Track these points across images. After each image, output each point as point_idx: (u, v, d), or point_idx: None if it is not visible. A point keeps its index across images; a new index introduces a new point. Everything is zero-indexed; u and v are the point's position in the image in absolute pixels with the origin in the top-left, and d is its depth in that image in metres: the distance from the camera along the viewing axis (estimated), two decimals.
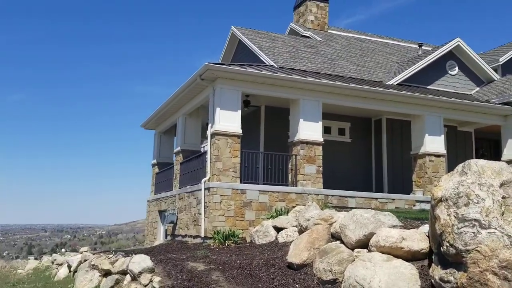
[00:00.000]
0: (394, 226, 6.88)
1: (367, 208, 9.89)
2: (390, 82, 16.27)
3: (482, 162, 5.95)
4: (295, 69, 15.52)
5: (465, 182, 5.63)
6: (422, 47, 21.06)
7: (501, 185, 5.67)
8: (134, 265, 8.12)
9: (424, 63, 16.78)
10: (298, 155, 13.42)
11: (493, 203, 5.26)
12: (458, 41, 17.04)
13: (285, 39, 19.60)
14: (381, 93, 14.37)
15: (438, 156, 14.81)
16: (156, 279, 7.61)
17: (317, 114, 13.86)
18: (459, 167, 6.06)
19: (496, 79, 17.53)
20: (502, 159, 15.65)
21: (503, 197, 5.48)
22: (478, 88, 17.42)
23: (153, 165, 19.56)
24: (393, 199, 13.86)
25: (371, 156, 16.90)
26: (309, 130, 13.62)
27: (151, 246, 15.18)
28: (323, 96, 13.98)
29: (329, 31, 22.69)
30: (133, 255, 9.05)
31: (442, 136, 15.06)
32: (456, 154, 16.71)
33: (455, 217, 5.25)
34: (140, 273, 7.94)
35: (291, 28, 22.66)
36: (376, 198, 13.75)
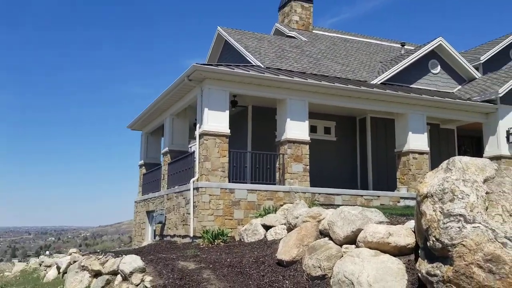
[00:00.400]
0: (381, 222, 7.07)
1: (353, 205, 10.06)
2: (374, 82, 16.53)
3: (466, 159, 6.15)
4: (281, 69, 15.67)
5: (449, 178, 5.83)
6: (405, 47, 21.40)
7: (485, 181, 5.88)
8: (125, 265, 8.18)
9: (407, 62, 17.07)
10: (286, 154, 13.58)
11: (477, 198, 5.46)
12: (440, 40, 17.37)
13: (271, 40, 19.75)
14: (365, 92, 14.61)
15: (421, 153, 15.10)
16: (148, 278, 7.69)
17: (304, 114, 14.04)
18: (444, 164, 6.26)
19: (477, 77, 17.91)
20: (484, 155, 16.02)
21: (486, 193, 5.69)
22: (460, 86, 17.77)
23: (140, 166, 19.55)
24: (378, 196, 14.11)
25: (356, 154, 17.16)
26: (296, 129, 13.79)
27: (139, 246, 15.20)
28: (309, 96, 14.16)
29: (313, 31, 22.91)
30: (124, 255, 9.10)
31: (425, 134, 15.36)
32: (439, 151, 17.03)
33: (440, 212, 5.44)
34: (131, 273, 8.00)
35: (276, 28, 22.82)
36: (362, 195, 13.99)
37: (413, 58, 17.23)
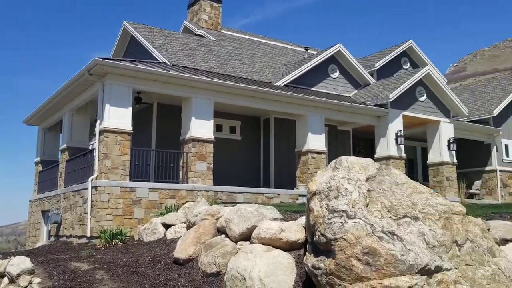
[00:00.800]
0: (275, 219, 7.36)
1: (255, 203, 10.36)
2: (278, 83, 17.05)
3: (352, 158, 6.61)
4: (188, 68, 15.63)
5: (336, 176, 6.23)
6: (308, 51, 22.28)
7: (367, 179, 6.36)
8: (13, 267, 7.73)
9: (309, 66, 17.81)
10: (190, 153, 13.58)
11: (359, 195, 5.89)
12: (339, 46, 18.32)
13: (179, 37, 19.60)
14: (269, 93, 15.02)
15: (319, 153, 15.85)
16: (36, 280, 7.34)
17: (209, 112, 14.12)
18: (332, 163, 6.67)
19: (372, 83, 19.15)
20: (375, 156, 17.18)
21: (368, 190, 6.15)
22: (356, 91, 18.89)
23: (37, 163, 18.47)
24: (279, 194, 14.59)
25: (260, 153, 17.59)
26: (201, 128, 13.84)
27: (33, 247, 14.36)
28: (215, 95, 14.27)
29: (222, 31, 23.09)
30: (12, 257, 8.58)
31: (323, 135, 16.15)
32: (336, 152, 17.95)
33: (326, 208, 5.80)
34: (19, 275, 7.58)
35: (185, 26, 22.69)
36: (263, 193, 14.38)
37: (314, 63, 18.00)
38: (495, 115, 20.23)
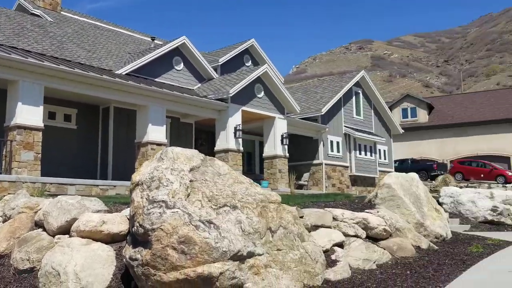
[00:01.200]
0: (98, 211, 7.13)
1: (89, 196, 9.91)
2: (120, 72, 16.51)
3: (177, 149, 6.70)
4: (18, 48, 14.38)
5: (160, 167, 6.27)
6: (155, 41, 22.00)
7: (191, 170, 6.52)
8: None
9: (153, 56, 17.57)
10: (14, 141, 12.46)
11: (180, 185, 6.01)
12: (184, 39, 18.41)
13: (10, 15, 17.82)
14: (107, 81, 14.47)
15: (159, 144, 15.78)
16: None
17: (39, 98, 13.12)
18: (158, 154, 6.70)
19: (215, 77, 19.62)
20: (215, 149, 17.69)
21: (191, 181, 6.31)
22: (199, 84, 19.19)
23: None
24: (115, 186, 14.17)
25: (97, 143, 16.87)
26: (29, 114, 12.79)
27: None
28: (46, 80, 13.29)
29: (62, 12, 21.59)
30: None
31: (164, 126, 16.11)
32: (178, 144, 18.05)
33: (146, 199, 5.81)
34: None
35: (19, 3, 20.75)
36: (98, 185, 13.83)
37: (159, 53, 17.82)
38: (323, 113, 22.26)
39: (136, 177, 6.33)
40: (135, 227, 5.69)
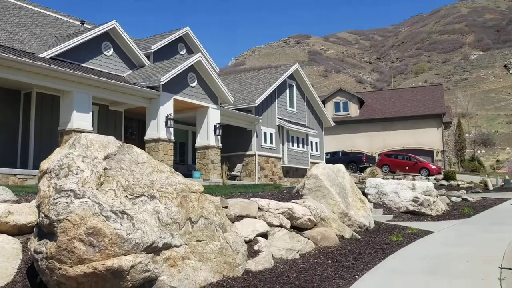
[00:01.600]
0: (6, 201, 6.64)
1: (6, 185, 9.24)
2: (43, 55, 15.58)
3: (92, 136, 6.31)
4: None
5: (71, 154, 5.86)
6: (85, 25, 20.96)
7: (106, 157, 6.15)
8: None
9: (81, 40, 16.71)
10: None
11: (92, 174, 5.64)
12: (114, 23, 17.66)
13: None
14: (28, 64, 13.58)
15: (84, 132, 15.03)
16: None
17: None
18: (71, 140, 6.26)
19: (147, 64, 19.02)
20: (145, 138, 17.17)
21: (104, 169, 5.95)
22: (130, 71, 18.52)
23: None
24: (34, 175, 13.37)
25: (18, 130, 15.85)
26: None
27: None
28: None
29: None
30: None
31: (91, 114, 15.37)
32: (106, 132, 17.37)
33: (54, 188, 5.40)
34: None
35: None
36: (15, 174, 13.00)
37: (87, 37, 16.97)
38: (257, 104, 22.25)
39: (44, 164, 5.90)
40: (40, 218, 5.30)
